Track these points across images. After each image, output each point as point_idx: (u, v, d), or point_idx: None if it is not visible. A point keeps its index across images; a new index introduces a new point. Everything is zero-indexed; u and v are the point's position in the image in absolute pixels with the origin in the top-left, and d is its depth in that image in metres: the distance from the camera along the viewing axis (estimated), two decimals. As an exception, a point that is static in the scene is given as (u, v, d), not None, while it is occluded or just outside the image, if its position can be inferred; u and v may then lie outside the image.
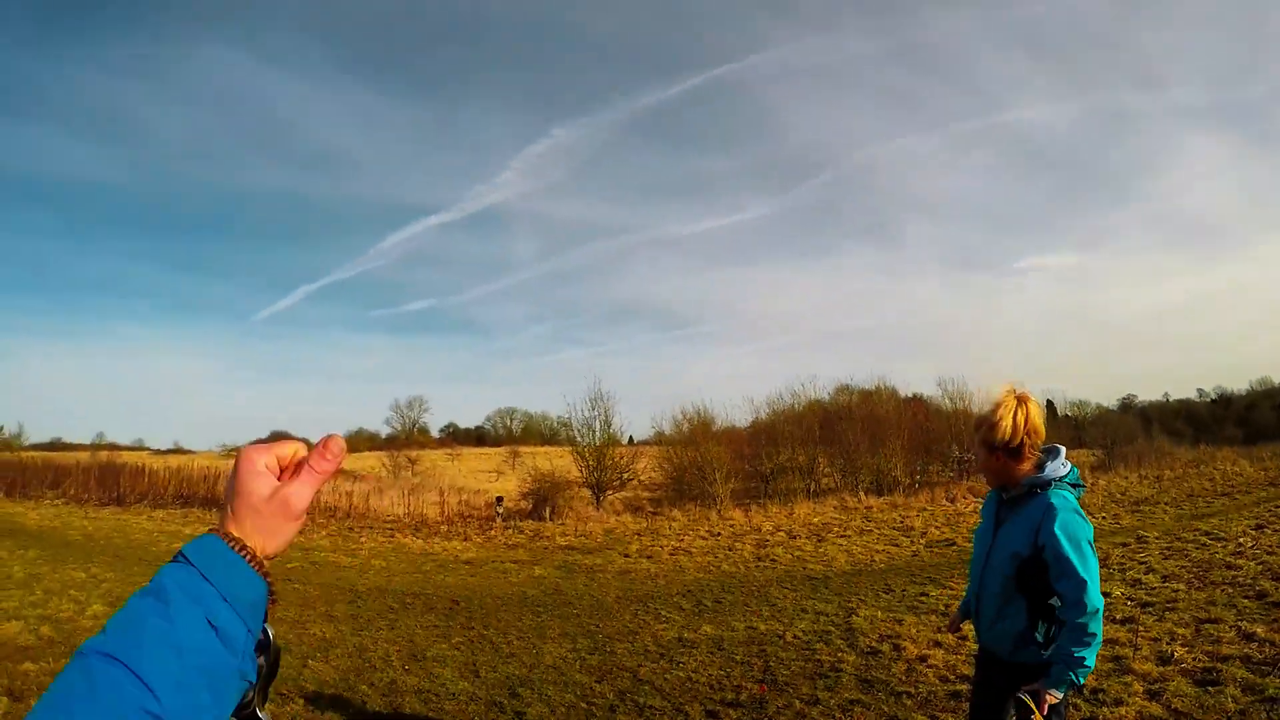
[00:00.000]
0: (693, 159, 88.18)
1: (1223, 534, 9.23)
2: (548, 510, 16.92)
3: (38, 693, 4.22)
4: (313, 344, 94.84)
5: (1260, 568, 7.23)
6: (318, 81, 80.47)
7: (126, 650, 0.59)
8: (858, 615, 6.92)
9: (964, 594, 2.99)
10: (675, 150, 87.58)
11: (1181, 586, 6.87)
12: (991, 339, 69.29)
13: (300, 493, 0.72)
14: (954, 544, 11.04)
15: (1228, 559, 7.79)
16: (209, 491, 19.00)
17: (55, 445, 48.41)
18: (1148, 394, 53.63)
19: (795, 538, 12.54)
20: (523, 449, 45.20)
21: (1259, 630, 5.27)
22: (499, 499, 17.72)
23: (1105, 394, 65.52)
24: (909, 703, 4.63)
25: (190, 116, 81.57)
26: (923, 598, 7.48)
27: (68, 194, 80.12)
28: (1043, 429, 2.45)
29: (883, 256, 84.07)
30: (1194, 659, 4.88)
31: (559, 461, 22.04)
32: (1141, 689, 4.46)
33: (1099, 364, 66.10)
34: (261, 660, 0.74)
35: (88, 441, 49.63)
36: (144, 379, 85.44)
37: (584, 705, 4.92)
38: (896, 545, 11.33)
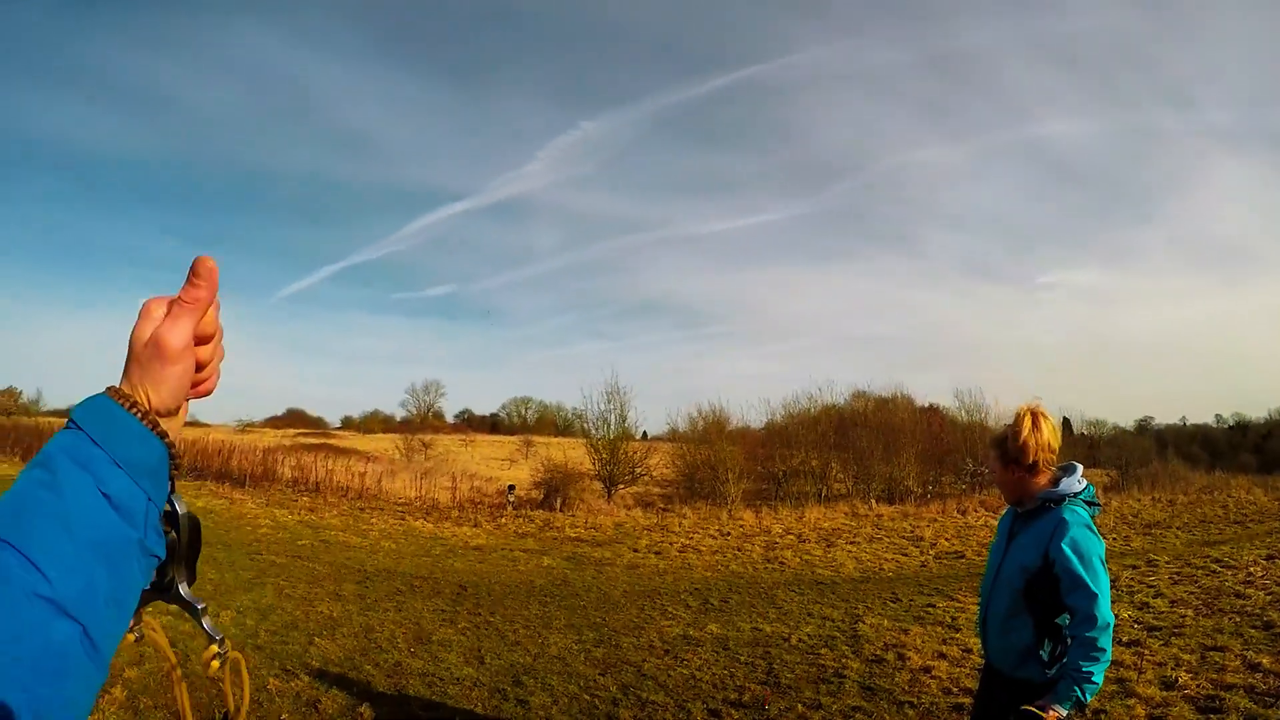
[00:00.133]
0: (718, 158, 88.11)
1: (1233, 562, 9.17)
2: (559, 501, 17.06)
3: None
4: (332, 324, 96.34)
5: (1269, 598, 7.19)
6: (350, 62, 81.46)
7: (9, 528, 0.53)
8: (864, 622, 6.97)
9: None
10: (701, 149, 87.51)
11: (1189, 612, 6.85)
12: (1010, 353, 68.52)
13: (173, 329, 0.63)
14: (963, 556, 11.04)
15: (1237, 587, 7.75)
16: (223, 465, 19.35)
17: (73, 412, 49.22)
18: (1165, 416, 53.20)
19: (805, 541, 12.59)
20: (536, 439, 45.53)
21: (1264, 661, 5.27)
22: (511, 487, 17.83)
23: (1122, 414, 64.60)
24: (911, 712, 4.68)
25: (221, 92, 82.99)
26: (929, 609, 7.51)
27: (94, 164, 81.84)
28: (1057, 445, 2.49)
29: (904, 265, 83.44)
30: (1198, 686, 4.89)
31: (572, 453, 22.20)
32: (1144, 713, 4.49)
33: (1117, 383, 65.26)
34: (172, 534, 0.66)
35: (104, 409, 50.32)
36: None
37: (587, 697, 4.98)
38: (906, 555, 11.34)
